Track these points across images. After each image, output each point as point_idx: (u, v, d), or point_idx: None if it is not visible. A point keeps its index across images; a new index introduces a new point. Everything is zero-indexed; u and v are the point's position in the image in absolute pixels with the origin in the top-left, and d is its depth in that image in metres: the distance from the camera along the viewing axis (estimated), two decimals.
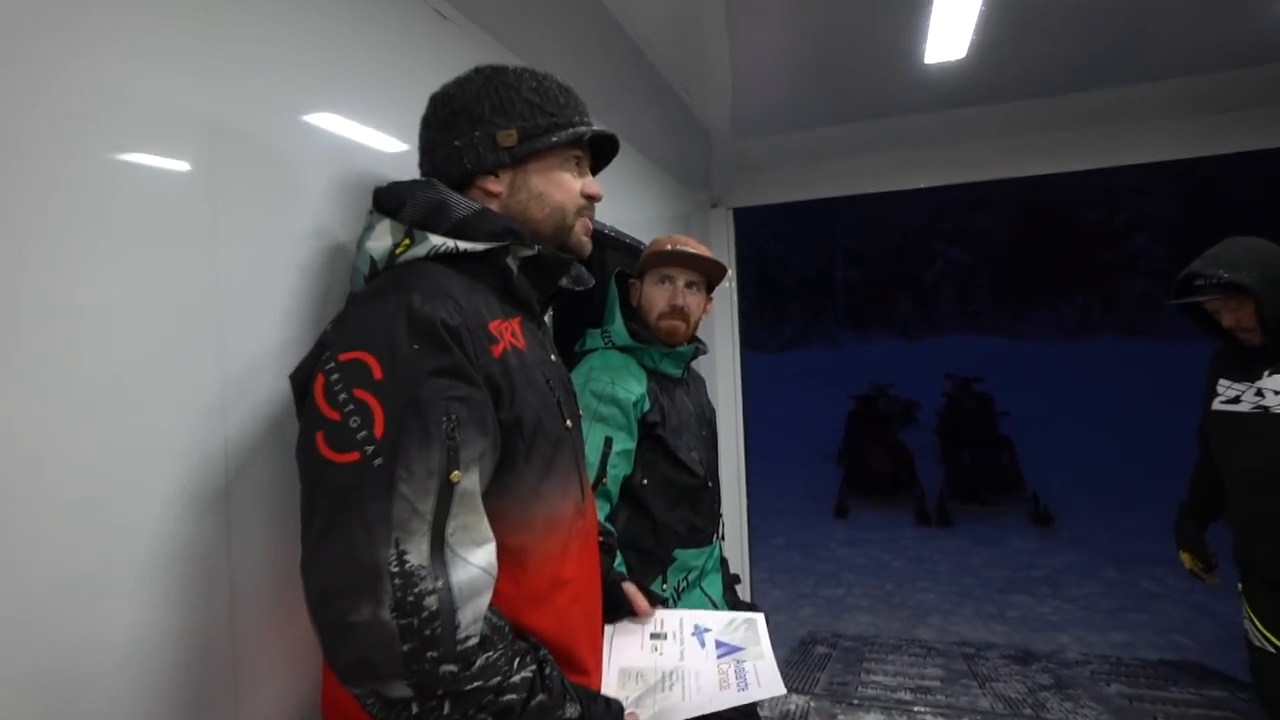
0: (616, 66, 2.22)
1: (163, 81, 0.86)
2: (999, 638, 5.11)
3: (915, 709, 3.25)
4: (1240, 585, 2.08)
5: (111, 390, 0.79)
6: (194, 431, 0.88)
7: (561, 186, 1.02)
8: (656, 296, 1.76)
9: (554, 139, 0.98)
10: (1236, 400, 1.93)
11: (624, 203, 2.57)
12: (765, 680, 1.01)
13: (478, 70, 1.01)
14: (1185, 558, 2.27)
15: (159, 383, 0.84)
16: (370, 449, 0.75)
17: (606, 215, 2.32)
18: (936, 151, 3.48)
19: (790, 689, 3.51)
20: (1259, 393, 1.87)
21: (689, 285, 1.76)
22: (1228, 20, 2.36)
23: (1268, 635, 1.96)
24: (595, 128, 1.03)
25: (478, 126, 0.97)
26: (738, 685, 1.00)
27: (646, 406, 1.66)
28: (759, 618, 1.19)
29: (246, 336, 0.95)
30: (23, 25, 0.72)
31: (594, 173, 1.11)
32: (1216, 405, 1.99)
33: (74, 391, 0.75)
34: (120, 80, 0.81)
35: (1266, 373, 1.86)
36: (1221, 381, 1.99)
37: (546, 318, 1.88)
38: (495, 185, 0.99)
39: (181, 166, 0.88)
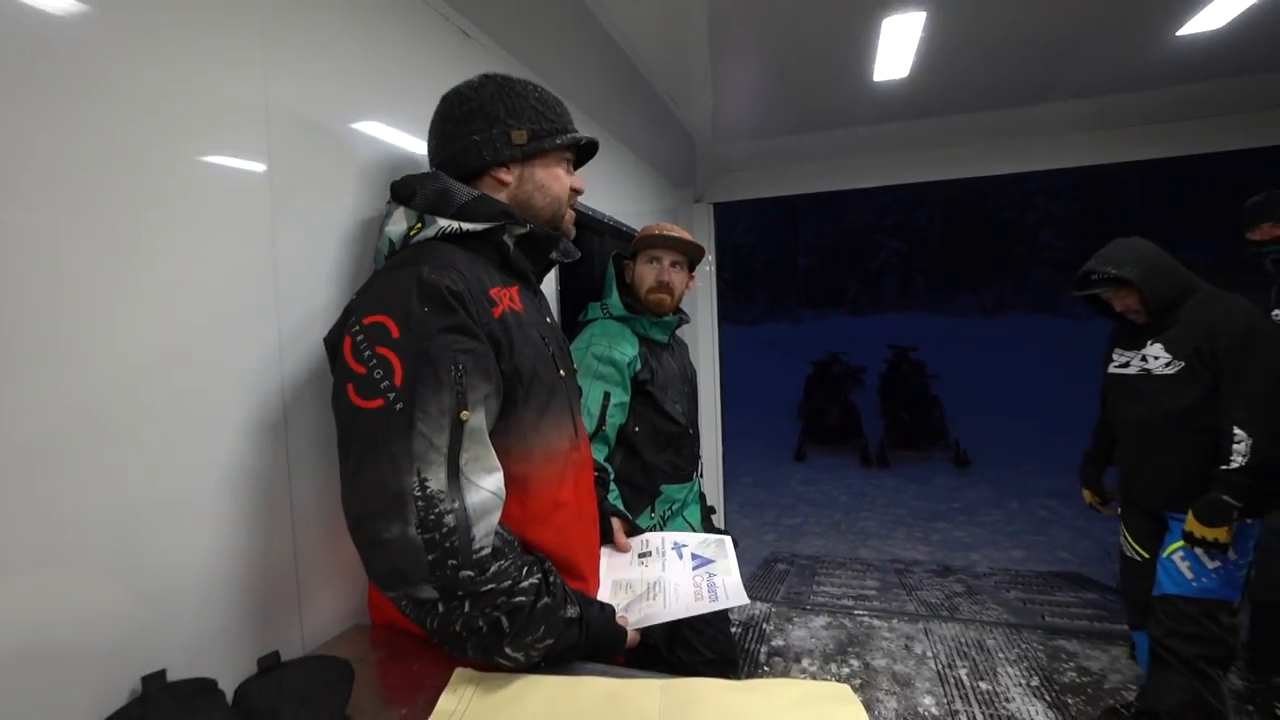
0: (613, 78, 2.17)
1: (229, 86, 0.83)
2: (924, 556, 5.18)
3: (855, 612, 3.30)
4: (1120, 510, 2.12)
5: (192, 342, 0.78)
6: (256, 374, 0.87)
7: (559, 180, 1.02)
8: (646, 274, 1.74)
9: (558, 141, 0.99)
10: (1126, 365, 1.95)
11: (619, 196, 2.53)
12: (732, 593, 1.01)
13: (488, 77, 0.99)
14: (1086, 494, 2.29)
15: (229, 335, 0.84)
16: (392, 395, 0.74)
17: (604, 206, 2.28)
18: (883, 157, 3.43)
19: (754, 598, 3.56)
20: (1143, 358, 1.90)
21: (673, 264, 1.74)
22: (1120, 55, 2.33)
23: (1136, 547, 2.05)
24: (587, 135, 1.04)
25: (494, 125, 0.96)
26: (709, 596, 1.00)
27: (638, 367, 1.65)
28: (726, 539, 1.20)
29: (299, 298, 0.94)
30: (115, 39, 0.70)
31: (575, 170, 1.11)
32: (1111, 369, 2.02)
33: (163, 343, 0.75)
34: (189, 74, 0.78)
35: (1149, 341, 1.88)
36: (1116, 350, 2.01)
37: (552, 288, 1.87)
38: (507, 176, 0.98)
39: (246, 162, 0.86)
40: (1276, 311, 2.13)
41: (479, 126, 0.96)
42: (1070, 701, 2.42)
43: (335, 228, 1.01)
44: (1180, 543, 1.85)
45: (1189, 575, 1.83)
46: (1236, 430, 1.71)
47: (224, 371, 0.83)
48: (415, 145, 1.17)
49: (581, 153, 1.10)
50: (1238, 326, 1.73)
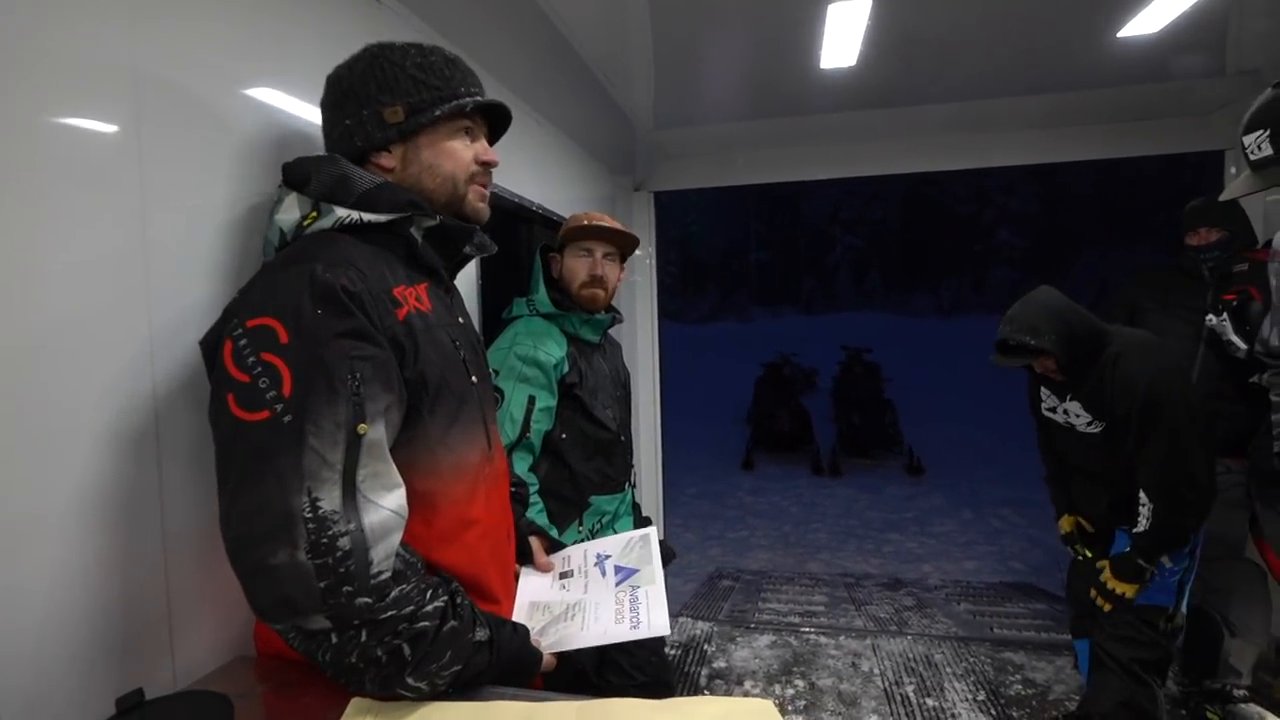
0: (543, 54, 2.18)
1: (87, 36, 0.80)
2: (875, 569, 5.38)
3: (802, 630, 3.41)
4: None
5: (45, 339, 0.76)
6: (123, 377, 0.85)
7: (452, 156, 0.98)
8: (578, 268, 1.76)
9: (438, 112, 0.95)
10: (1054, 411, 2.12)
11: (550, 182, 2.54)
12: (655, 622, 1.01)
13: (365, 49, 0.97)
14: (1065, 523, 2.33)
15: (91, 332, 0.81)
16: (280, 407, 0.73)
17: (533, 193, 2.29)
18: (836, 148, 3.56)
19: (697, 617, 3.62)
20: (1066, 412, 2.06)
21: (606, 256, 1.77)
22: (1066, 53, 2.52)
23: (1081, 549, 2.27)
24: (480, 98, 0.99)
25: (365, 105, 0.94)
26: (630, 622, 1.02)
27: (565, 369, 1.67)
28: (651, 532, 1.22)
29: (174, 292, 0.92)
30: None
31: (492, 142, 1.06)
32: (1044, 410, 2.17)
33: (9, 339, 0.72)
34: (43, 32, 0.75)
35: (1068, 397, 2.04)
36: (1043, 390, 2.14)
37: (472, 283, 1.87)
38: (388, 160, 0.96)
39: (108, 130, 0.83)
40: (1211, 317, 2.32)
41: (350, 109, 0.94)
42: (1015, 715, 2.59)
43: (217, 213, 0.99)
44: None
45: None
46: (1142, 495, 1.91)
47: (83, 373, 0.80)
48: (312, 122, 1.16)
49: (495, 121, 1.06)
50: (1136, 393, 1.85)
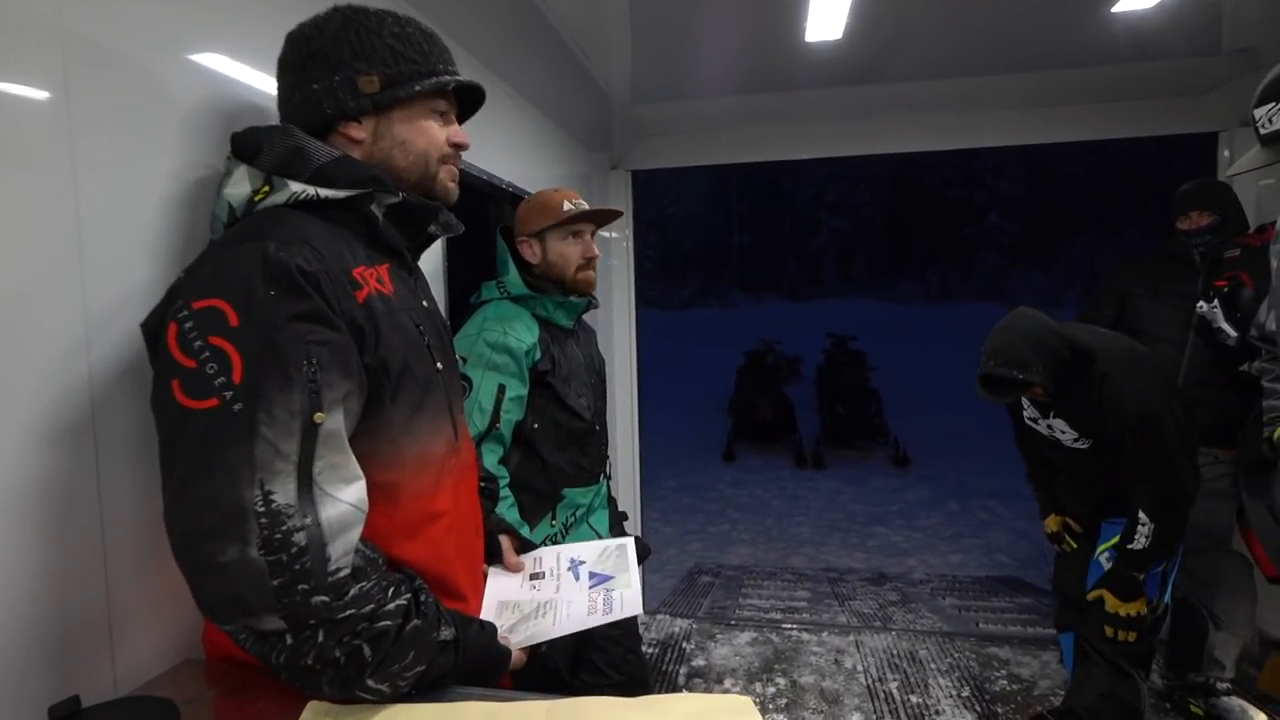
0: (514, 23, 2.15)
1: None
2: (859, 563, 5.48)
3: (784, 626, 3.46)
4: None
5: None
6: (55, 363, 0.82)
7: (425, 134, 0.98)
8: (570, 252, 1.75)
9: (417, 88, 0.94)
10: (1036, 421, 2.16)
11: (522, 159, 2.51)
12: (628, 604, 1.04)
13: (336, 9, 0.94)
14: (1051, 523, 2.40)
15: (19, 316, 0.78)
16: (229, 394, 0.72)
17: (504, 171, 2.26)
18: (821, 126, 3.56)
19: (675, 614, 3.65)
20: (1050, 427, 2.11)
21: (591, 235, 1.78)
22: (1058, 28, 2.53)
23: (1068, 540, 2.34)
24: (459, 77, 0.98)
25: (338, 71, 0.91)
26: (604, 610, 1.03)
27: (538, 356, 1.66)
28: (629, 542, 1.23)
29: (111, 272, 0.89)
30: None
31: (460, 122, 1.06)
32: (1025, 417, 2.21)
33: None
34: None
35: (1052, 413, 2.09)
36: (1024, 399, 2.16)
37: (438, 264, 1.84)
38: (358, 132, 0.94)
39: (34, 94, 0.80)
40: (1202, 304, 2.37)
41: (319, 73, 0.92)
42: (1000, 710, 2.65)
43: (159, 186, 0.96)
44: (1108, 544, 2.09)
45: None
46: (1141, 514, 1.95)
47: (10, 361, 0.77)
48: (264, 91, 1.12)
49: (465, 101, 1.06)
50: (1128, 413, 1.90)
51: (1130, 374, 1.94)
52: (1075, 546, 2.27)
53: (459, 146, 1.01)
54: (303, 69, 0.93)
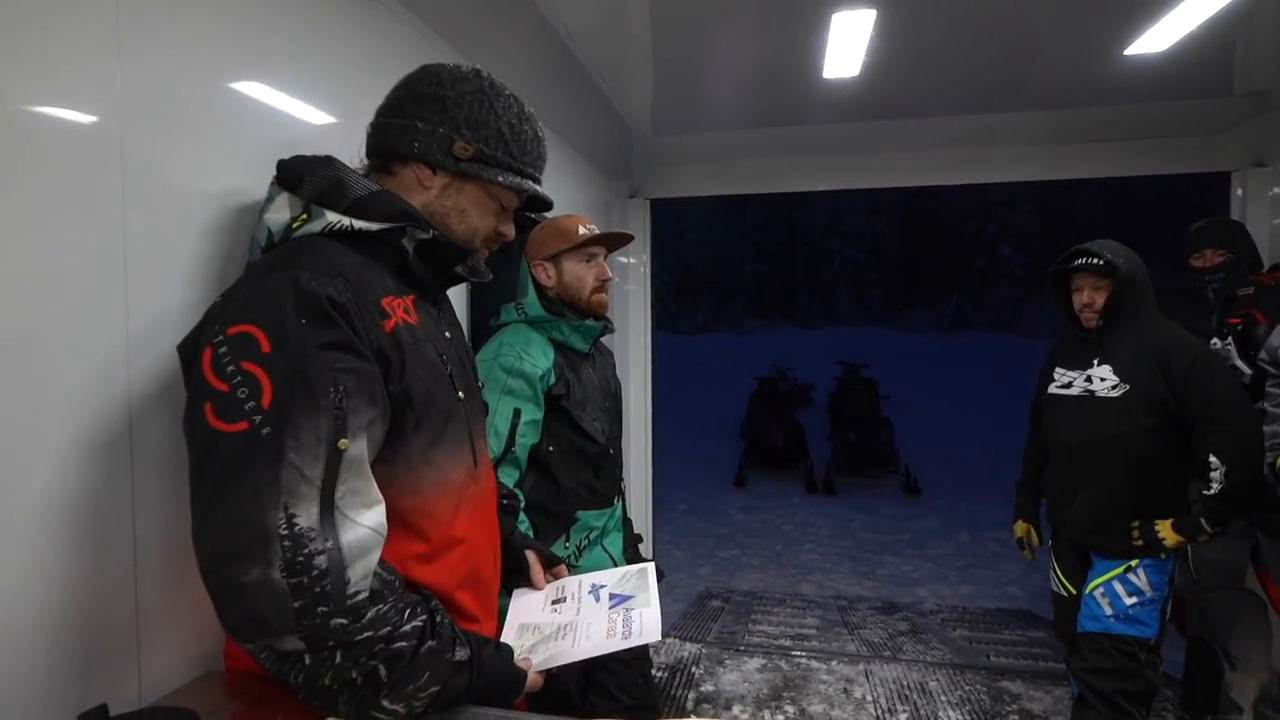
0: (543, 57, 2.19)
1: (69, 24, 0.80)
2: (869, 592, 5.38)
3: (793, 653, 3.40)
4: (1050, 542, 2.30)
5: (16, 337, 0.75)
6: (97, 379, 0.84)
7: (484, 216, 1.02)
8: (585, 274, 1.77)
9: (500, 178, 0.98)
10: (1069, 385, 2.12)
11: (548, 186, 2.53)
12: (647, 628, 1.04)
13: (479, 74, 0.99)
14: (1019, 528, 2.45)
15: (65, 333, 0.80)
16: (259, 419, 0.73)
17: None
18: (836, 159, 3.59)
19: (685, 639, 3.61)
20: (1088, 379, 2.07)
21: (604, 258, 1.80)
22: (1072, 69, 2.55)
23: (1065, 583, 2.24)
24: (538, 190, 1.02)
25: (444, 124, 0.95)
26: (623, 633, 1.03)
27: (552, 380, 1.67)
28: (649, 567, 1.23)
29: (155, 292, 0.91)
30: None
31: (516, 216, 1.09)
32: (1052, 389, 2.18)
33: None
34: (17, 19, 0.75)
35: (1096, 360, 2.05)
36: (1058, 370, 2.17)
37: (462, 288, 1.86)
38: (430, 180, 0.97)
39: (87, 117, 0.82)
40: (1216, 340, 2.35)
41: (429, 115, 0.95)
42: None
43: (203, 212, 0.99)
44: (1102, 579, 2.05)
45: (1108, 611, 2.02)
46: (1211, 458, 1.92)
47: (55, 376, 0.79)
48: (310, 120, 1.16)
49: (531, 206, 1.09)
50: (1193, 353, 1.95)
51: (1184, 330, 2.03)
52: (1073, 592, 2.19)
53: (501, 238, 1.05)
54: (419, 102, 0.96)
